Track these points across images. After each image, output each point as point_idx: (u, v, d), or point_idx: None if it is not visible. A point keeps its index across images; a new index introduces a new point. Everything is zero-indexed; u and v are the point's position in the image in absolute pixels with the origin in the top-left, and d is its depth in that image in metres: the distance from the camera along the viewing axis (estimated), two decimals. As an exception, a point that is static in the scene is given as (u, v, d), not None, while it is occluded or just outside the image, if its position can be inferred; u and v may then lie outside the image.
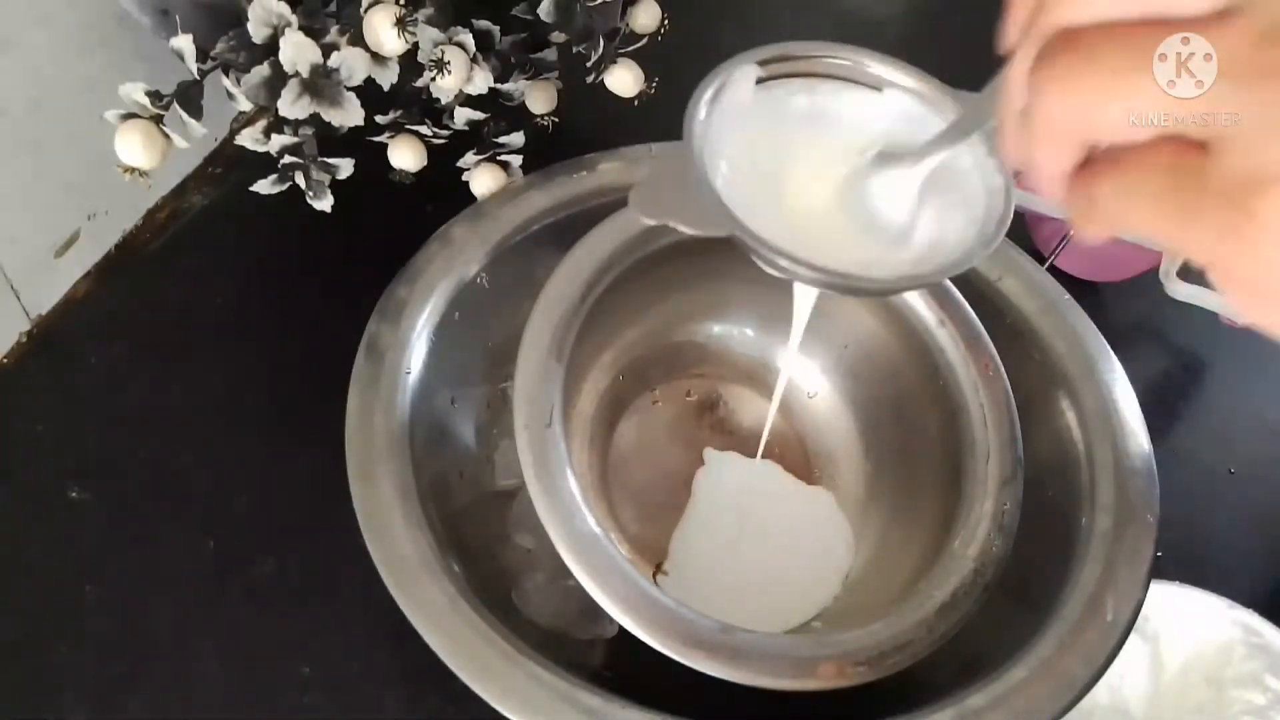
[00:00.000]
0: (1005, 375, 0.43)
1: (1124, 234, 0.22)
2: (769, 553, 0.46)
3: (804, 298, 0.38)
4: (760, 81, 0.32)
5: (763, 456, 0.47)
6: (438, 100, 0.47)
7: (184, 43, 0.40)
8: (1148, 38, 0.19)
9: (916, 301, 0.45)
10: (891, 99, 0.33)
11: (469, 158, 0.48)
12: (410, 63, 0.44)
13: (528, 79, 0.51)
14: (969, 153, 0.31)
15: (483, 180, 0.48)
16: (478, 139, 0.48)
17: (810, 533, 0.47)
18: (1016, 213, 0.58)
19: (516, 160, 0.49)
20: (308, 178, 0.45)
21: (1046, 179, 0.23)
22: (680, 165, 0.30)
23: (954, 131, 0.30)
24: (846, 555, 0.46)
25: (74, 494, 0.45)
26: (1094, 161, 0.21)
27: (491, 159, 0.48)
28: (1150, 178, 0.20)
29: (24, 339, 0.49)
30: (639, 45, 0.51)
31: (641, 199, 0.31)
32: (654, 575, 0.45)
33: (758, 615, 0.40)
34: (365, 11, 0.41)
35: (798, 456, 0.50)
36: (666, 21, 0.51)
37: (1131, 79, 0.19)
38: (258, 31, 0.41)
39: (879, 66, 0.33)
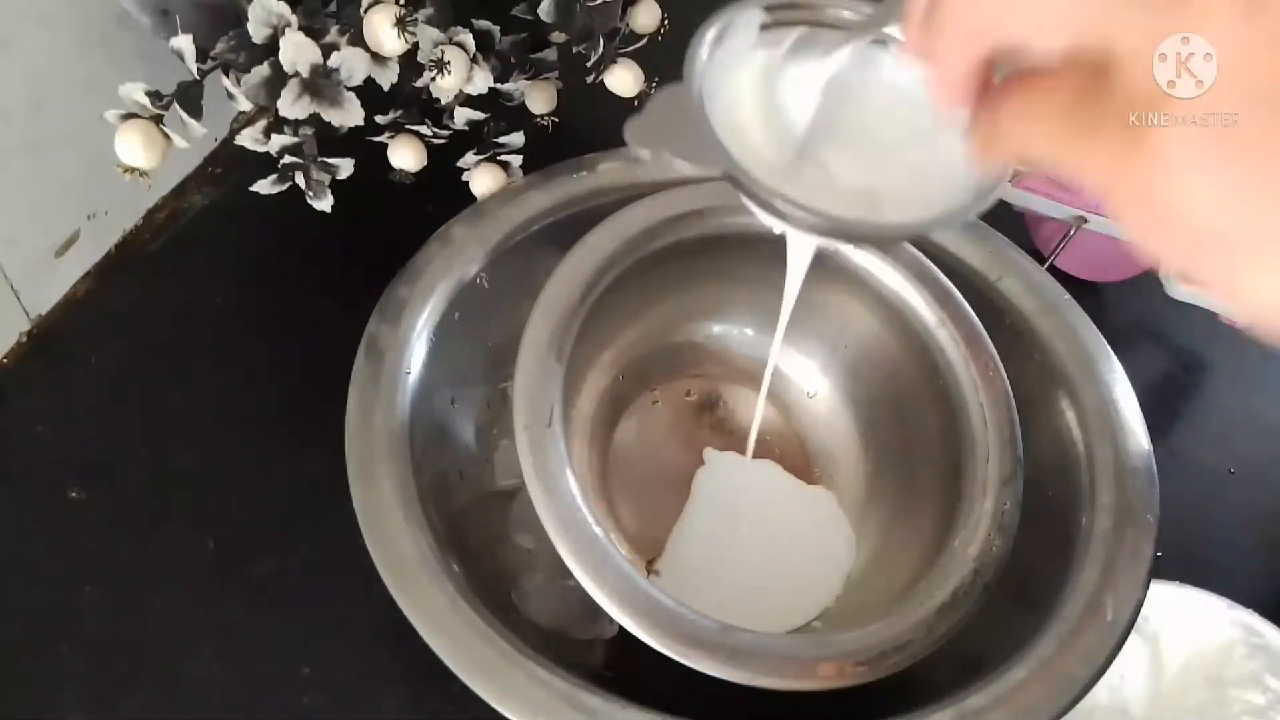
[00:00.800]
0: (1005, 375, 0.43)
1: (1025, 159, 0.22)
2: (770, 553, 0.46)
3: (800, 251, 0.37)
4: (764, 27, 0.32)
5: (762, 456, 0.47)
6: (438, 100, 0.47)
7: (184, 43, 0.40)
8: None
9: (916, 301, 0.45)
10: (897, 52, 0.32)
11: (469, 158, 0.48)
12: (410, 63, 0.44)
13: (528, 79, 0.51)
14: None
15: (483, 180, 0.48)
16: (478, 139, 0.48)
17: (811, 533, 0.47)
18: (1016, 213, 0.58)
19: (516, 160, 0.49)
20: (308, 178, 0.45)
21: (948, 86, 0.23)
22: (679, 101, 0.29)
23: (863, 24, 0.30)
24: (848, 555, 0.46)
25: (74, 494, 0.45)
26: (1001, 85, 0.22)
27: (491, 159, 0.48)
28: (1053, 97, 0.20)
29: (24, 339, 0.49)
30: (639, 45, 0.51)
31: (638, 131, 0.31)
32: (647, 572, 0.45)
33: (759, 616, 0.40)
34: (365, 11, 0.41)
35: (797, 456, 0.50)
36: (666, 22, 0.51)
37: None
38: (258, 31, 0.41)
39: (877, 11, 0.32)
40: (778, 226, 0.30)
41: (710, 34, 0.31)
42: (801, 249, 0.37)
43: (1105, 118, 0.19)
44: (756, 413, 0.45)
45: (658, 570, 0.45)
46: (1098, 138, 0.19)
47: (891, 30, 0.30)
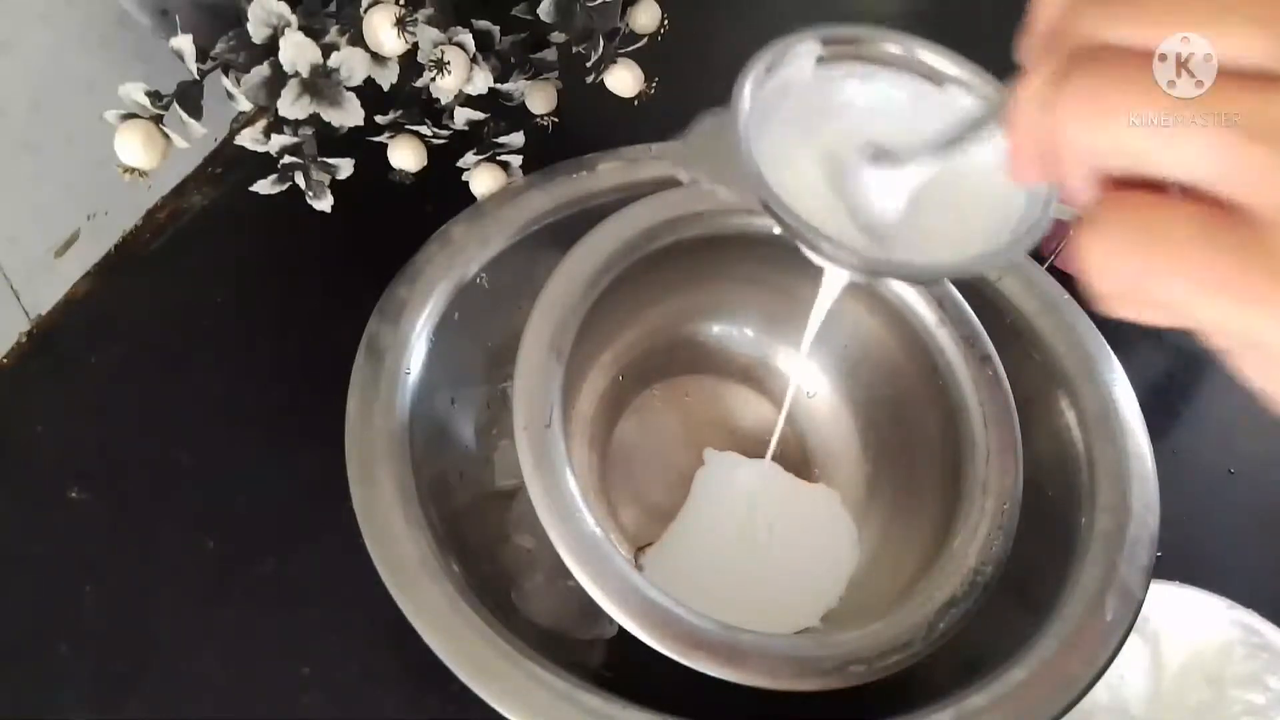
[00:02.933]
0: (1005, 375, 0.43)
1: (1140, 276, 0.19)
2: (774, 554, 0.46)
3: (831, 284, 0.36)
4: (820, 60, 0.31)
5: (762, 456, 0.47)
6: (438, 100, 0.47)
7: (184, 43, 0.40)
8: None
9: (916, 301, 0.45)
10: (952, 96, 0.32)
11: (469, 158, 0.48)
12: (410, 63, 0.44)
13: (528, 79, 0.51)
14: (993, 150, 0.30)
15: (483, 180, 0.48)
16: (478, 139, 0.48)
17: (815, 533, 0.47)
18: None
19: (516, 160, 0.49)
20: (307, 178, 0.45)
21: (1064, 192, 0.21)
22: (722, 128, 0.29)
23: (945, 142, 0.29)
24: (852, 555, 0.46)
25: (74, 494, 0.45)
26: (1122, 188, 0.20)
27: (491, 159, 0.48)
28: (1177, 223, 0.18)
29: (24, 339, 0.49)
30: (639, 45, 0.51)
31: (679, 154, 0.30)
32: (635, 557, 0.45)
33: (764, 618, 0.40)
34: (365, 11, 0.41)
35: (797, 456, 0.50)
36: (666, 21, 0.51)
37: (1141, 100, 0.18)
38: (257, 31, 0.41)
39: (942, 61, 0.31)
40: (818, 261, 0.30)
41: (763, 63, 0.30)
42: (837, 278, 0.36)
43: (1238, 259, 0.18)
44: (779, 423, 0.45)
45: (642, 565, 0.45)
46: (1226, 279, 0.18)
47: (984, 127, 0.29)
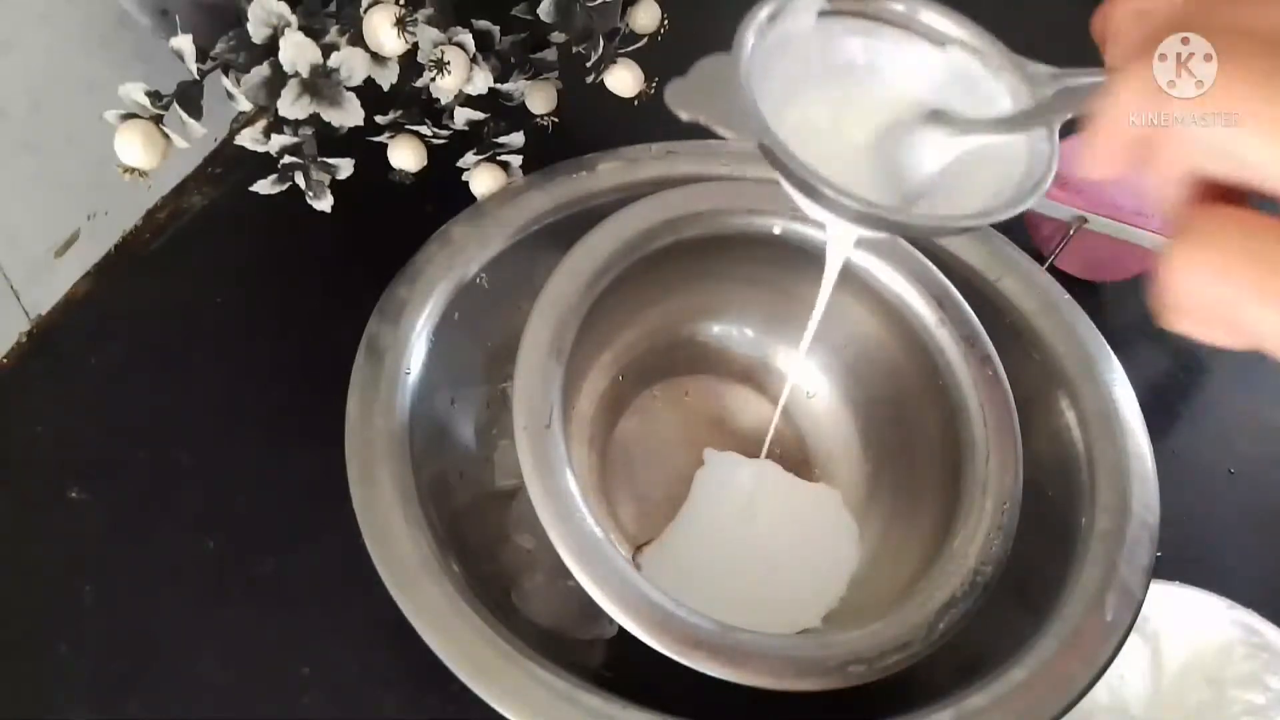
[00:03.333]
0: (1005, 375, 0.43)
1: (1234, 297, 0.18)
2: (775, 554, 0.46)
3: (839, 244, 0.36)
4: (822, 14, 0.31)
5: (763, 456, 0.47)
6: (438, 100, 0.47)
7: (184, 43, 0.40)
8: None
9: (916, 301, 0.45)
10: (954, 56, 0.31)
11: (469, 158, 0.48)
12: (410, 63, 0.44)
13: (528, 79, 0.51)
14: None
15: (483, 180, 0.48)
16: (478, 139, 0.48)
17: (816, 532, 0.47)
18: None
19: (517, 160, 0.49)
20: (307, 178, 0.45)
21: (1154, 203, 0.20)
22: (723, 71, 0.28)
23: (1017, 121, 0.28)
24: (853, 555, 0.46)
25: (74, 494, 0.45)
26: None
27: (492, 159, 0.48)
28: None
29: (24, 339, 0.49)
30: (639, 45, 0.51)
31: (678, 93, 0.29)
32: (634, 555, 0.45)
33: (764, 618, 0.40)
34: (365, 11, 0.41)
35: (797, 456, 0.50)
36: (666, 21, 0.51)
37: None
38: (257, 31, 0.41)
39: (946, 22, 0.31)
40: (815, 213, 0.29)
41: (765, 10, 0.30)
42: (841, 240, 0.35)
43: None
44: (774, 420, 0.45)
45: (640, 563, 0.45)
46: None
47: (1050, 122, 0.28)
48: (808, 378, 0.51)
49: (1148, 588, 0.39)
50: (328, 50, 0.41)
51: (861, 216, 0.28)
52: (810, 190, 0.28)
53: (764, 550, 0.46)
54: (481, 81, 0.45)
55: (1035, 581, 0.40)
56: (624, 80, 0.49)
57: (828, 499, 0.48)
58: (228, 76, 0.43)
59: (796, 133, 0.29)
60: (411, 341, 0.43)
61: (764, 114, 0.28)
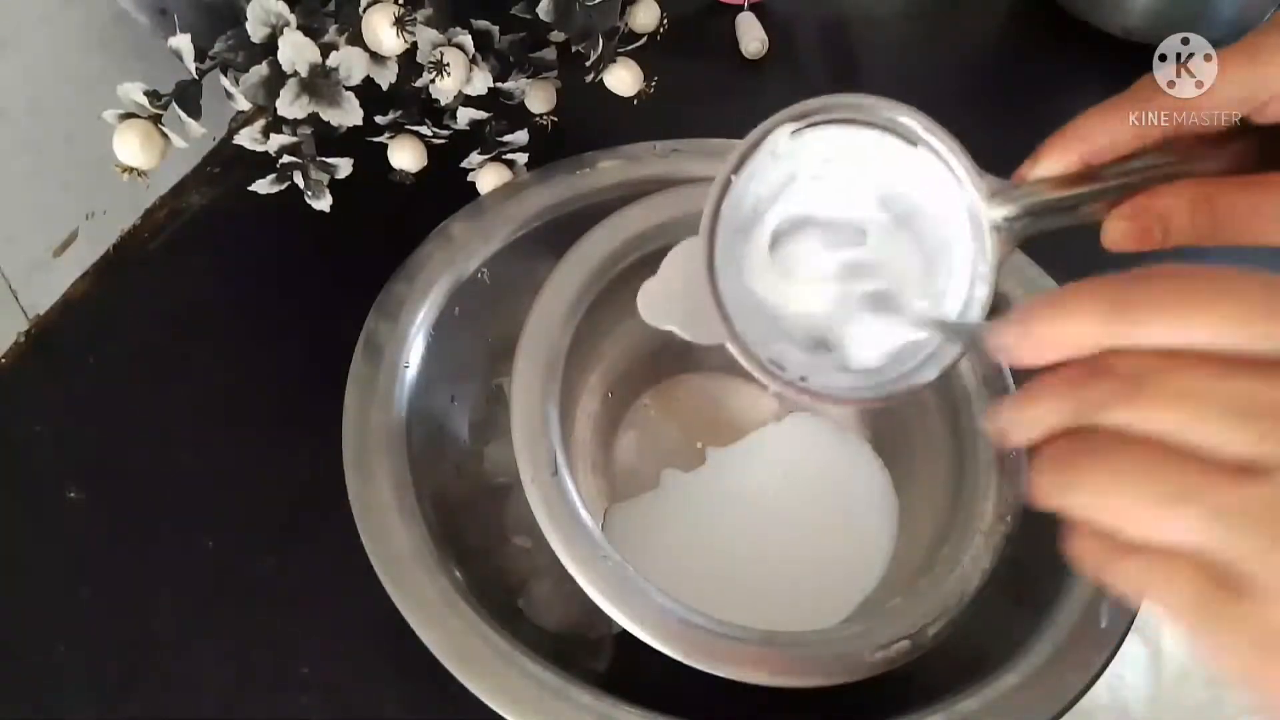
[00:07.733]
0: (1005, 375, 0.43)
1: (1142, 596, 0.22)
2: (802, 543, 0.45)
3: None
4: (795, 133, 0.31)
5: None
6: (437, 100, 0.47)
7: (182, 42, 0.40)
8: (1181, 473, 0.19)
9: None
10: (921, 158, 0.30)
11: (474, 158, 0.48)
12: (409, 62, 0.44)
13: (527, 78, 0.51)
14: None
15: (489, 180, 0.48)
16: (478, 139, 0.48)
17: (848, 514, 0.46)
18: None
19: (522, 159, 0.49)
20: (306, 177, 0.45)
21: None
22: (689, 264, 0.31)
23: (951, 330, 0.30)
24: (890, 527, 0.45)
25: (73, 494, 0.45)
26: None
27: (497, 158, 0.48)
28: (1183, 578, 0.20)
29: (22, 339, 0.49)
30: (638, 44, 0.50)
31: (650, 300, 0.34)
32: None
33: (800, 615, 0.40)
34: (364, 11, 0.41)
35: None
36: (665, 21, 0.51)
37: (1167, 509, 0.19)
38: (256, 31, 0.41)
39: (910, 121, 0.30)
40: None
41: (730, 165, 0.30)
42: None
43: (1241, 625, 0.19)
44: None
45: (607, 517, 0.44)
46: (1235, 636, 0.19)
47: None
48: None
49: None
50: (326, 50, 0.41)
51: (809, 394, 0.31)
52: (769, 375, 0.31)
53: (790, 543, 0.45)
54: (481, 82, 0.45)
55: (1032, 586, 0.40)
56: (623, 79, 0.49)
57: (857, 451, 0.47)
58: (226, 76, 0.43)
59: (759, 310, 0.32)
60: (410, 337, 0.43)
61: (730, 315, 0.31)
